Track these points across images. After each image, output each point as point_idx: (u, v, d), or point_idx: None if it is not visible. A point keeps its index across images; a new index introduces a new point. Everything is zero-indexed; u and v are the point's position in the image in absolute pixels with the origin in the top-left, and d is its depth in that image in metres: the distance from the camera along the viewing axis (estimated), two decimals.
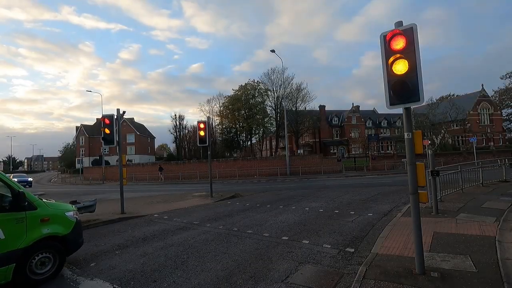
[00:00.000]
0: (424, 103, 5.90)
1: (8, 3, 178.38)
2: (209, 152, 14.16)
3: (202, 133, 13.74)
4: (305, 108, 47.71)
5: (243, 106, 44.53)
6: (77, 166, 53.32)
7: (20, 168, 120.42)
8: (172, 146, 75.86)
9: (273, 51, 30.68)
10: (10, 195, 4.30)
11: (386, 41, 3.87)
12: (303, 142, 57.36)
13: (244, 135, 49.74)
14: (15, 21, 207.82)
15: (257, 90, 46.13)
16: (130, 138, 64.10)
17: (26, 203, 4.40)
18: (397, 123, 58.09)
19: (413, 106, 4.20)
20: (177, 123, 61.97)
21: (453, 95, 61.51)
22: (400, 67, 3.75)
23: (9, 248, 4.13)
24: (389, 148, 55.74)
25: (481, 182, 11.73)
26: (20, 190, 4.37)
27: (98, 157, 57.46)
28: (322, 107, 55.67)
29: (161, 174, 34.19)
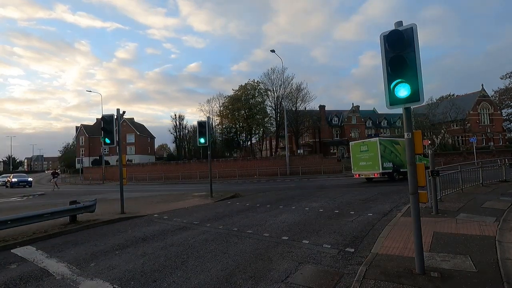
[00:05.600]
0: (424, 103, 5.90)
1: (1, 1, 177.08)
2: (209, 152, 14.16)
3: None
4: (305, 108, 47.80)
5: (243, 106, 44.51)
6: (77, 166, 53.31)
7: (20, 168, 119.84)
8: (172, 146, 75.92)
9: (273, 51, 30.69)
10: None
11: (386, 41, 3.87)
12: (303, 142, 57.34)
13: (244, 135, 49.77)
14: (9, 20, 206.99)
15: (257, 90, 46.14)
16: (130, 138, 64.15)
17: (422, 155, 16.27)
18: (397, 123, 58.08)
19: (413, 106, 4.20)
20: (177, 123, 62.11)
21: (453, 95, 61.50)
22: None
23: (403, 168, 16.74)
24: None
25: (481, 182, 11.74)
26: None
27: (98, 157, 57.48)
28: (322, 107, 55.66)
29: (54, 179, 32.10)
